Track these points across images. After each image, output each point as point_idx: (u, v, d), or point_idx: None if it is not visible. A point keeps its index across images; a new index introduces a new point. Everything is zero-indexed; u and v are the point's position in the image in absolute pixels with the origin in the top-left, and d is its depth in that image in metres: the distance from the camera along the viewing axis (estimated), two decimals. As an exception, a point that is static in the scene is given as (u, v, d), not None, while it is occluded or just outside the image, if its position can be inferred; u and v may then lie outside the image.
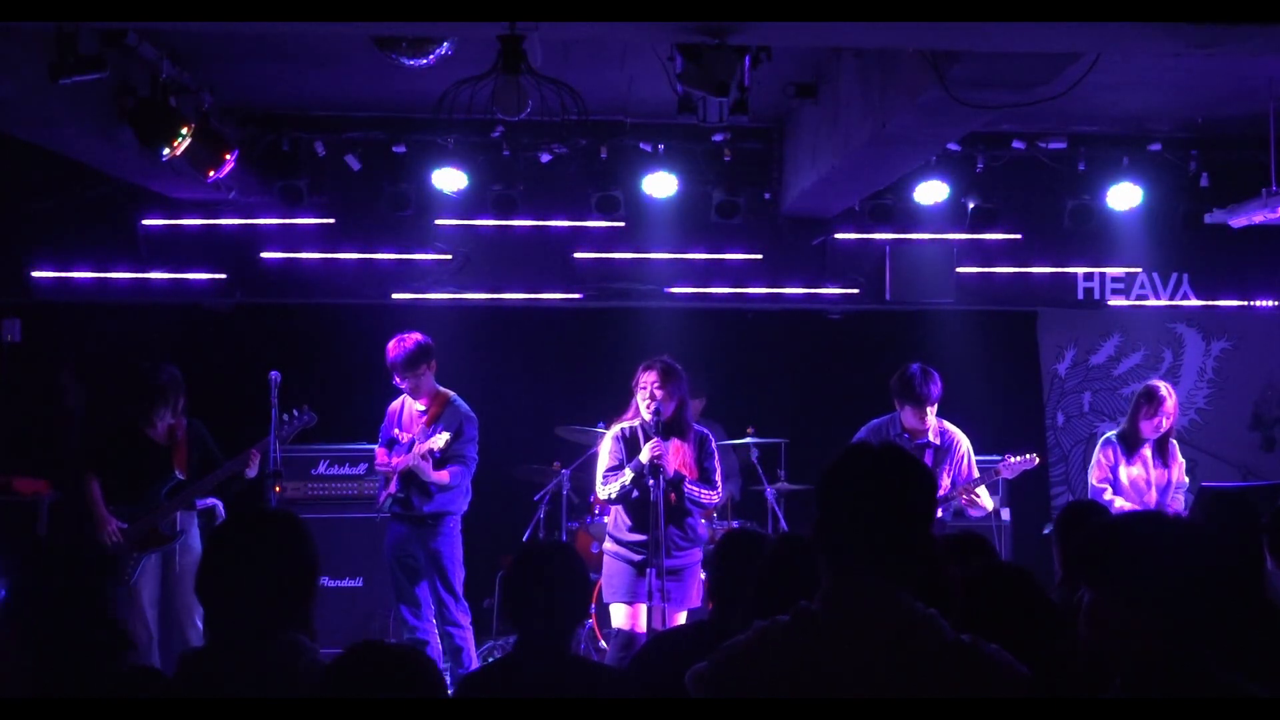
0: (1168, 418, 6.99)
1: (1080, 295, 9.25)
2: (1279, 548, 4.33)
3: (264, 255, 8.75)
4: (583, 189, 8.55)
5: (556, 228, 8.82)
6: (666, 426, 6.15)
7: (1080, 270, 9.19)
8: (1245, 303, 9.32)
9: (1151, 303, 9.31)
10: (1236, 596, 2.38)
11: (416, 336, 6.82)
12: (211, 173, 6.82)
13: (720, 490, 6.38)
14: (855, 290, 9.04)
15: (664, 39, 5.24)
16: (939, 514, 6.81)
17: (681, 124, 6.12)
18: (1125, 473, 7.00)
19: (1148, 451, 7.04)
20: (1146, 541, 2.37)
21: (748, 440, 8.03)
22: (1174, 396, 7.06)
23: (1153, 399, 6.95)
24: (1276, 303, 9.29)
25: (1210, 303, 9.32)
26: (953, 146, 7.96)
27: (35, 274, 8.66)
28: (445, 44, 5.65)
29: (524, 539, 7.62)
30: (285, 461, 6.59)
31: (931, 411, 6.75)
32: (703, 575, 6.24)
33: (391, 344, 6.80)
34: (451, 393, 6.97)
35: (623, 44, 6.51)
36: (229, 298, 8.84)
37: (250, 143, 8.17)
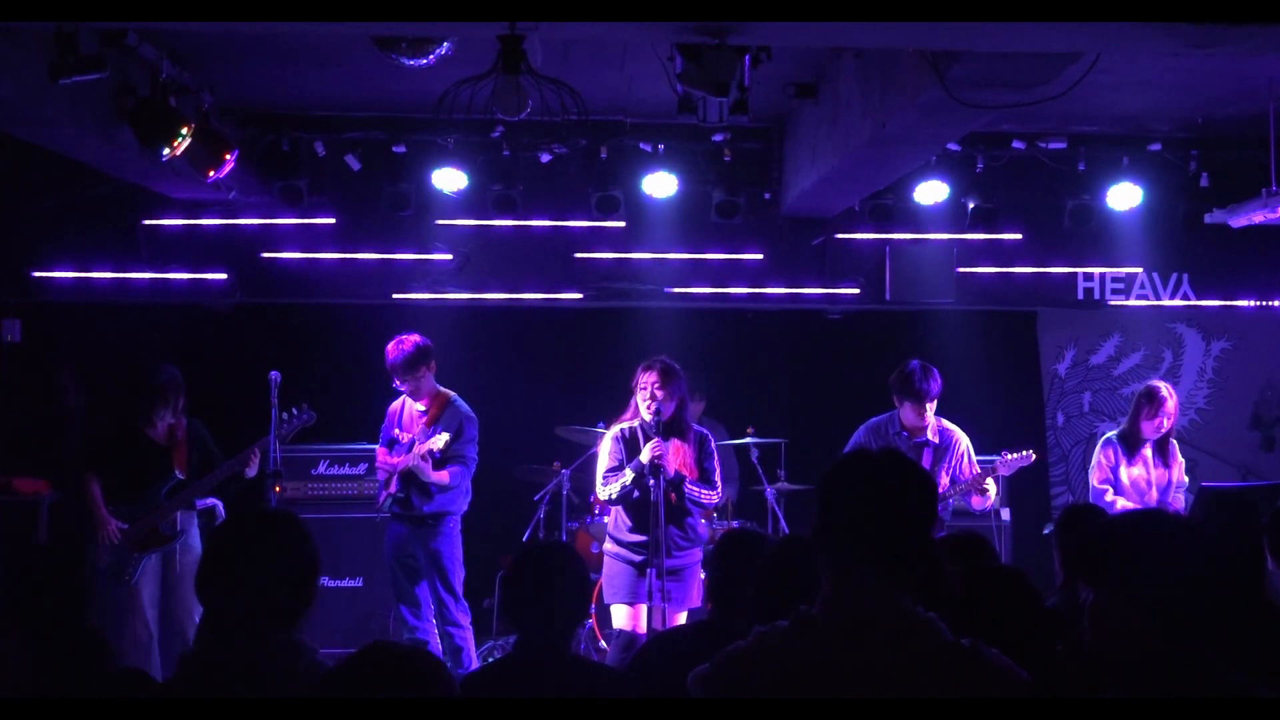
0: (1169, 418, 6.99)
1: (1080, 295, 9.25)
2: (1279, 548, 4.33)
3: (264, 255, 8.75)
4: (583, 189, 8.55)
5: (557, 228, 8.82)
6: (666, 427, 6.15)
7: (1080, 270, 9.19)
8: (1245, 303, 9.32)
9: (1151, 303, 9.31)
10: (1237, 596, 2.38)
11: (415, 338, 6.82)
12: (211, 173, 6.82)
13: (720, 490, 6.39)
14: (855, 290, 9.04)
15: (664, 39, 5.24)
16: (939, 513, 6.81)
17: (681, 124, 6.11)
18: (1126, 473, 7.00)
19: (1148, 452, 7.04)
20: (1147, 540, 2.37)
21: (748, 440, 8.03)
22: (1175, 397, 7.06)
23: (1154, 399, 6.95)
24: (1276, 303, 9.29)
25: (1210, 303, 9.33)
26: (953, 146, 7.96)
27: (35, 274, 8.66)
28: (445, 44, 5.65)
29: (524, 539, 7.62)
30: (285, 461, 6.58)
31: (931, 409, 6.73)
32: (703, 575, 6.24)
33: (390, 347, 6.79)
34: (452, 393, 6.96)
35: (623, 44, 6.51)
36: (229, 298, 8.84)
37: (250, 143, 8.17)
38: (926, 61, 5.34)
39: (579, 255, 8.88)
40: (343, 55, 6.98)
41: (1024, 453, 6.95)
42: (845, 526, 2.44)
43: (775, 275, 8.99)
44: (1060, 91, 5.45)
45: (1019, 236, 9.03)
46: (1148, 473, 7.02)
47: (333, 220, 8.72)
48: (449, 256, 8.80)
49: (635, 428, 6.27)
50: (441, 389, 6.95)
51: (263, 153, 8.31)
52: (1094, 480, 7.06)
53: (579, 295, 8.90)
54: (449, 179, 8.09)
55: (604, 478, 6.27)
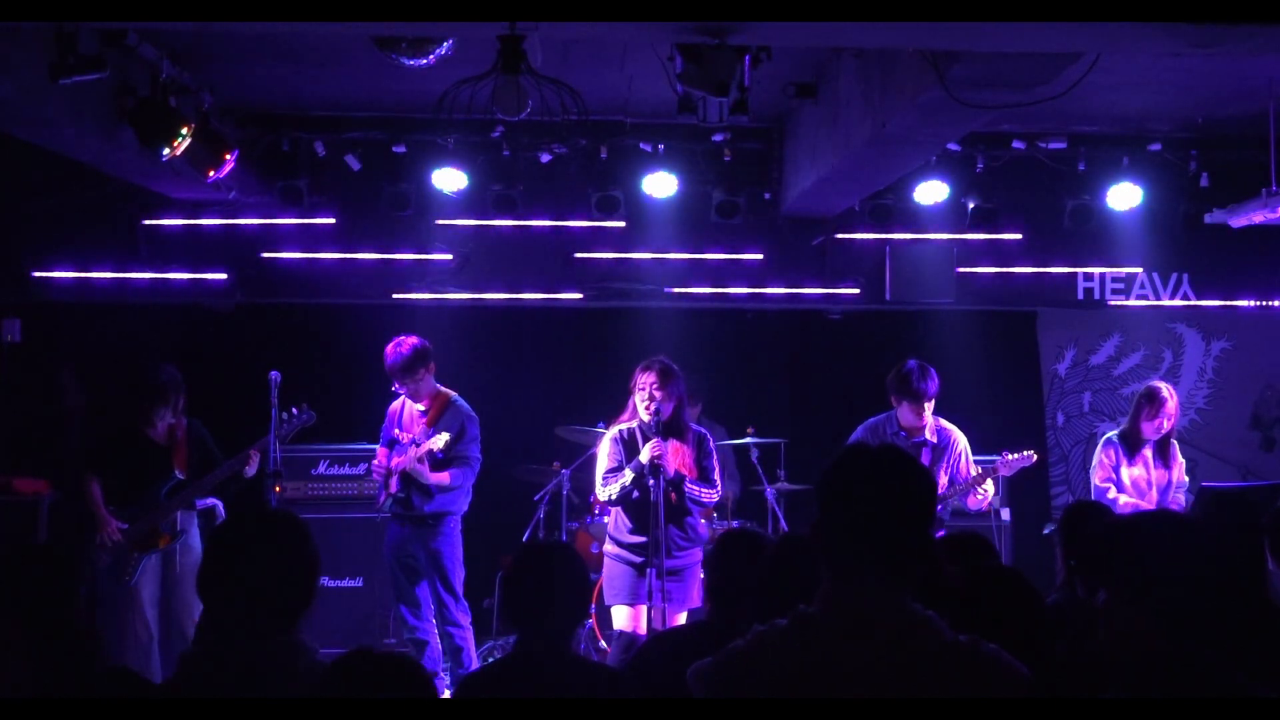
0: (1169, 419, 6.99)
1: (1080, 295, 9.25)
2: (1279, 548, 4.33)
3: (264, 255, 8.75)
4: (583, 189, 8.55)
5: (557, 228, 8.82)
6: (665, 427, 6.15)
7: (1080, 270, 9.19)
8: (1245, 303, 9.32)
9: (1151, 303, 9.31)
10: (1237, 597, 2.38)
11: (413, 341, 6.80)
12: (211, 173, 6.81)
13: (720, 487, 6.39)
14: (855, 290, 9.04)
15: (664, 39, 5.24)
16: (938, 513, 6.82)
17: (681, 124, 6.11)
18: (1127, 473, 7.00)
19: (1149, 452, 7.04)
20: (1151, 541, 2.37)
21: (748, 440, 8.03)
22: (1175, 397, 7.06)
23: (1154, 400, 6.95)
24: (1276, 303, 9.29)
25: (1210, 303, 9.33)
26: (953, 146, 7.95)
27: (36, 274, 8.66)
28: (445, 44, 5.64)
29: (524, 539, 7.61)
30: (285, 461, 6.58)
31: (929, 409, 6.74)
32: (702, 575, 6.24)
33: (388, 349, 6.77)
34: (452, 393, 6.96)
35: (623, 44, 6.51)
36: (229, 297, 8.84)
37: (250, 143, 8.16)
38: (926, 61, 5.34)
39: (579, 255, 8.88)
40: (343, 55, 6.97)
41: (1025, 453, 6.95)
42: (845, 525, 2.43)
43: (775, 275, 8.99)
44: (1060, 91, 5.46)
45: (1019, 236, 9.03)
46: (1148, 473, 7.02)
47: (333, 220, 8.72)
48: (449, 256, 8.80)
49: (634, 428, 6.27)
50: (442, 389, 6.95)
51: (263, 153, 8.32)
52: (1096, 479, 7.06)
53: (579, 295, 8.90)
54: (449, 179, 8.09)
55: (603, 479, 6.26)
